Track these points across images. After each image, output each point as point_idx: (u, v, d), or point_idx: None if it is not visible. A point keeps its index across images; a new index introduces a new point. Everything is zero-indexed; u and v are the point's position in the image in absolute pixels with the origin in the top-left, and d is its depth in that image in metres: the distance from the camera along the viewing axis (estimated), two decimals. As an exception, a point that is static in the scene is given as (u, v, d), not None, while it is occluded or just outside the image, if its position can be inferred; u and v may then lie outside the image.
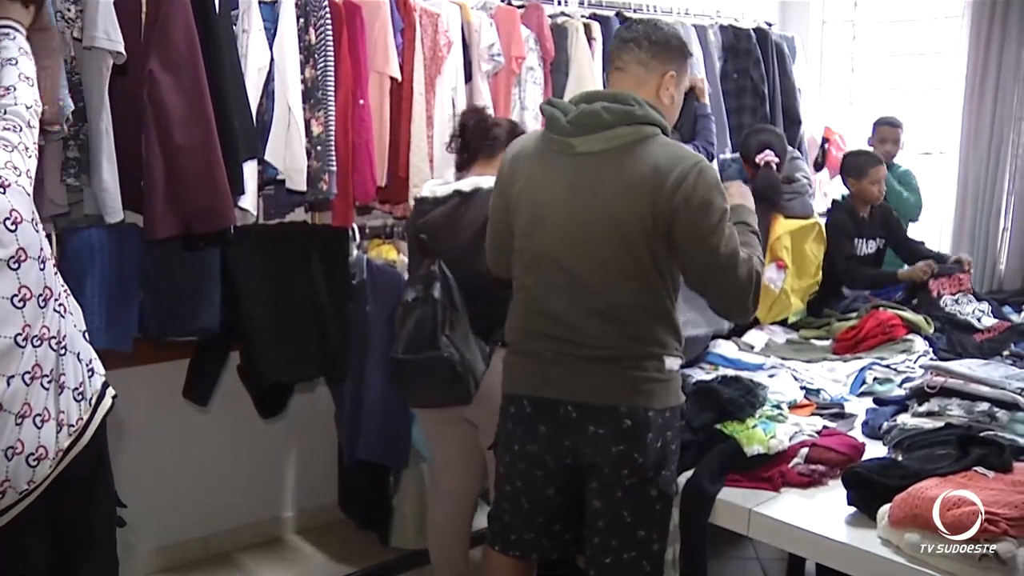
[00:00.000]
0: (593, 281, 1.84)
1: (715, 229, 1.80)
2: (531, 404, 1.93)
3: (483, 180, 2.38)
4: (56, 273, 1.74)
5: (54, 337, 1.69)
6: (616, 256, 1.82)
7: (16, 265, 1.60)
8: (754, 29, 4.15)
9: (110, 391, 1.87)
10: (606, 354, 1.84)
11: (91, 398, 1.80)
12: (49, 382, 1.68)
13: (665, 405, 1.88)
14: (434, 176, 3.04)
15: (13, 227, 1.60)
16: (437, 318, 2.28)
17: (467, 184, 2.41)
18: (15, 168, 1.66)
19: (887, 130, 4.22)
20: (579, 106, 1.86)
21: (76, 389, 1.75)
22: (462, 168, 2.55)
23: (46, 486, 1.71)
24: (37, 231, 1.66)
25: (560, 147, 1.88)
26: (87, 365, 1.81)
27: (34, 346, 1.64)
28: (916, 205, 4.17)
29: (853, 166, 3.72)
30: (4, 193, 1.60)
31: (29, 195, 1.67)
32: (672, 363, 1.90)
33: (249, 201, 2.64)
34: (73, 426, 1.74)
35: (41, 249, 1.67)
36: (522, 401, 1.94)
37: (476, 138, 2.50)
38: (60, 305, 1.73)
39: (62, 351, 1.73)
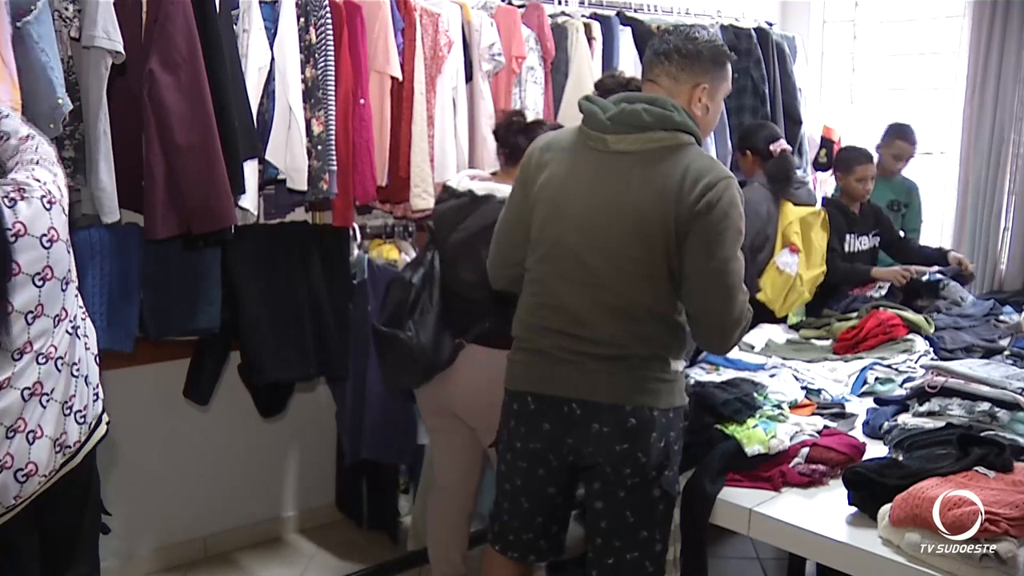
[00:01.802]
0: (609, 277, 1.83)
1: (728, 241, 1.79)
2: (535, 401, 1.92)
3: (499, 188, 2.38)
4: (77, 295, 1.76)
5: (62, 358, 1.70)
6: (634, 255, 1.82)
7: (41, 283, 1.63)
8: (755, 29, 4.15)
9: (105, 416, 1.89)
10: (614, 352, 1.84)
11: (91, 422, 1.81)
12: (48, 400, 1.68)
13: (669, 405, 1.88)
14: (435, 176, 3.05)
15: (48, 244, 1.63)
16: (408, 301, 2.35)
17: (482, 188, 2.40)
18: (59, 188, 1.71)
19: (904, 147, 4.06)
20: (619, 105, 1.85)
21: (80, 412, 1.76)
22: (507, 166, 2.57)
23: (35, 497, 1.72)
24: (68, 252, 1.69)
25: (595, 143, 1.87)
26: (94, 390, 1.82)
27: (38, 363, 1.65)
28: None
29: (842, 160, 3.77)
30: (49, 209, 1.64)
31: (67, 216, 1.70)
32: (677, 364, 1.91)
33: (250, 200, 2.63)
34: (70, 448, 1.75)
35: (68, 271, 1.69)
36: (526, 398, 1.94)
37: (504, 143, 2.50)
38: (75, 327, 1.74)
39: (75, 373, 1.73)
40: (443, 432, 2.58)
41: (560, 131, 2.07)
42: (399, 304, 2.37)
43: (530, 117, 3.33)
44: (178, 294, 2.66)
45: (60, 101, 2.14)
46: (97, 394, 1.84)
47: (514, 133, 2.47)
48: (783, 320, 3.35)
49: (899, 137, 4.07)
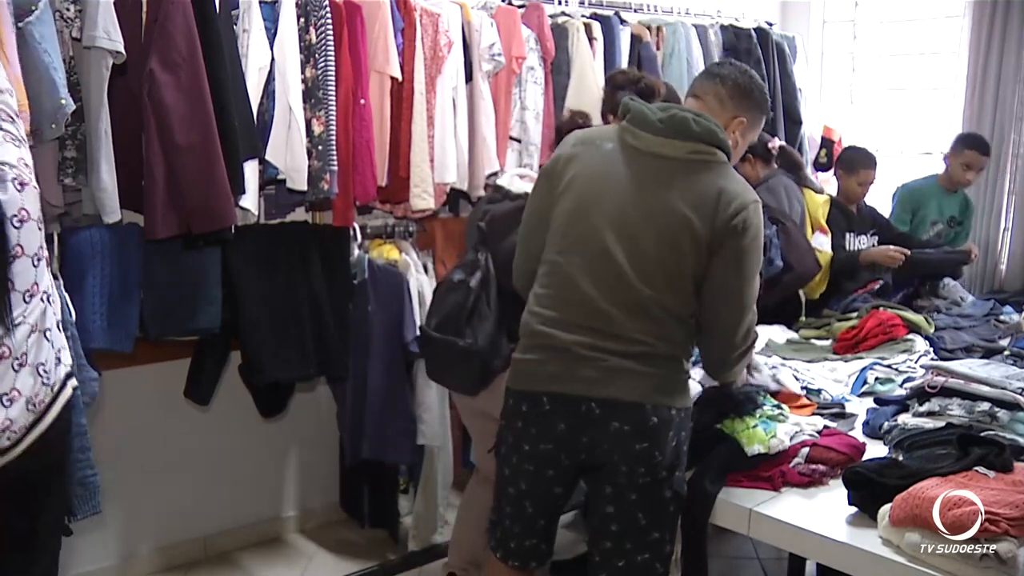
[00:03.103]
0: (636, 274, 1.84)
1: (753, 262, 1.89)
2: (551, 400, 1.89)
3: None
4: (48, 268, 1.76)
5: (34, 325, 1.71)
6: (664, 257, 1.84)
7: (11, 260, 1.63)
8: (755, 29, 4.16)
9: (72, 381, 1.89)
10: (638, 350, 1.84)
11: (53, 385, 1.81)
12: (19, 365, 1.70)
13: (683, 405, 1.89)
14: (435, 177, 3.05)
15: (19, 224, 1.63)
16: (467, 306, 2.32)
17: None
18: (27, 165, 1.69)
19: (974, 156, 3.81)
20: (669, 111, 1.89)
21: (46, 372, 1.77)
22: None
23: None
24: (40, 229, 1.69)
25: (639, 143, 1.90)
26: (56, 353, 1.83)
27: (8, 329, 1.66)
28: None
29: (846, 160, 3.79)
30: (22, 191, 1.64)
31: (38, 190, 1.70)
32: (688, 365, 1.93)
33: (250, 200, 2.64)
34: (36, 407, 1.75)
35: (40, 247, 1.69)
36: (540, 398, 1.90)
37: None
38: (46, 295, 1.76)
39: (48, 337, 1.75)
40: (477, 433, 2.59)
41: (593, 128, 2.11)
42: (457, 308, 2.34)
43: (530, 118, 3.36)
44: (178, 294, 2.66)
45: (63, 101, 2.14)
46: (59, 358, 1.85)
47: None
48: (810, 304, 3.46)
49: (969, 146, 3.85)
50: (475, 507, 2.62)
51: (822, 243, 3.46)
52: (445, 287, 2.44)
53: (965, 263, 3.86)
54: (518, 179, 2.46)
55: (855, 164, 3.70)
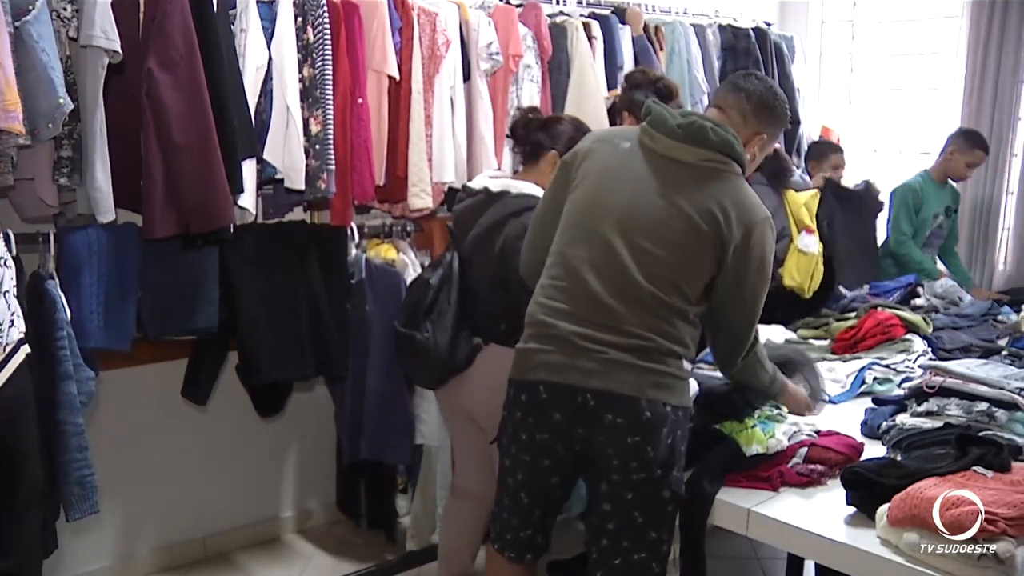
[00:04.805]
0: (640, 272, 1.86)
1: (758, 280, 1.95)
2: (547, 390, 1.90)
3: (515, 184, 2.38)
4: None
5: None
6: (669, 258, 1.86)
7: None
8: (753, 29, 4.16)
9: (25, 348, 1.91)
10: (635, 344, 1.85)
11: (6, 346, 1.84)
12: None
13: (680, 403, 1.90)
14: (433, 176, 3.05)
15: None
16: (426, 301, 2.36)
17: (497, 185, 2.40)
18: None
19: (982, 156, 3.97)
20: (688, 117, 1.92)
21: None
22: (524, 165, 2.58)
23: None
24: None
25: (656, 145, 1.93)
26: (11, 316, 1.86)
27: None
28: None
29: (814, 152, 3.94)
30: None
31: None
32: (688, 365, 1.94)
33: (248, 200, 2.63)
34: None
35: None
36: (538, 387, 1.91)
37: (521, 141, 2.50)
38: (3, 260, 1.82)
39: (5, 296, 1.80)
40: (458, 436, 2.59)
41: (617, 128, 2.15)
42: (417, 304, 2.39)
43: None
44: (177, 294, 2.66)
45: (61, 100, 2.14)
46: (13, 321, 1.87)
47: (533, 130, 2.46)
48: (808, 304, 3.45)
49: (979, 146, 3.97)
50: (460, 523, 2.62)
51: (807, 244, 3.45)
52: (414, 285, 2.50)
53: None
54: (487, 178, 2.47)
55: (824, 152, 3.88)
